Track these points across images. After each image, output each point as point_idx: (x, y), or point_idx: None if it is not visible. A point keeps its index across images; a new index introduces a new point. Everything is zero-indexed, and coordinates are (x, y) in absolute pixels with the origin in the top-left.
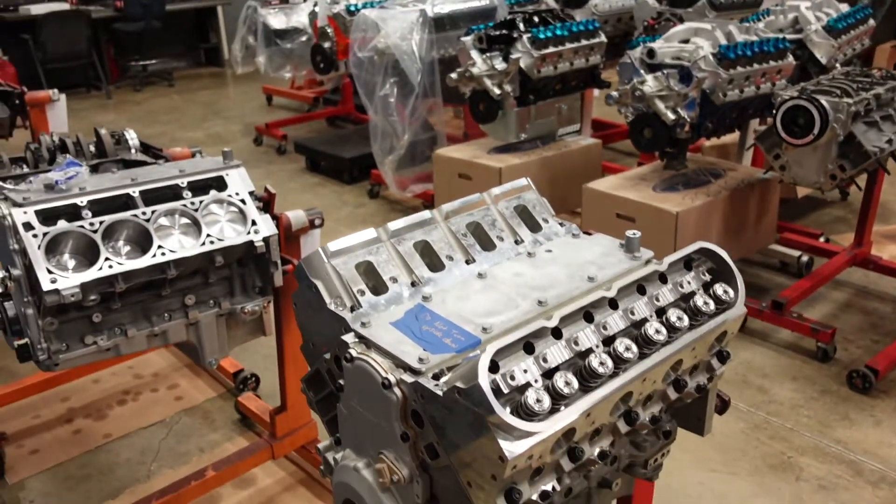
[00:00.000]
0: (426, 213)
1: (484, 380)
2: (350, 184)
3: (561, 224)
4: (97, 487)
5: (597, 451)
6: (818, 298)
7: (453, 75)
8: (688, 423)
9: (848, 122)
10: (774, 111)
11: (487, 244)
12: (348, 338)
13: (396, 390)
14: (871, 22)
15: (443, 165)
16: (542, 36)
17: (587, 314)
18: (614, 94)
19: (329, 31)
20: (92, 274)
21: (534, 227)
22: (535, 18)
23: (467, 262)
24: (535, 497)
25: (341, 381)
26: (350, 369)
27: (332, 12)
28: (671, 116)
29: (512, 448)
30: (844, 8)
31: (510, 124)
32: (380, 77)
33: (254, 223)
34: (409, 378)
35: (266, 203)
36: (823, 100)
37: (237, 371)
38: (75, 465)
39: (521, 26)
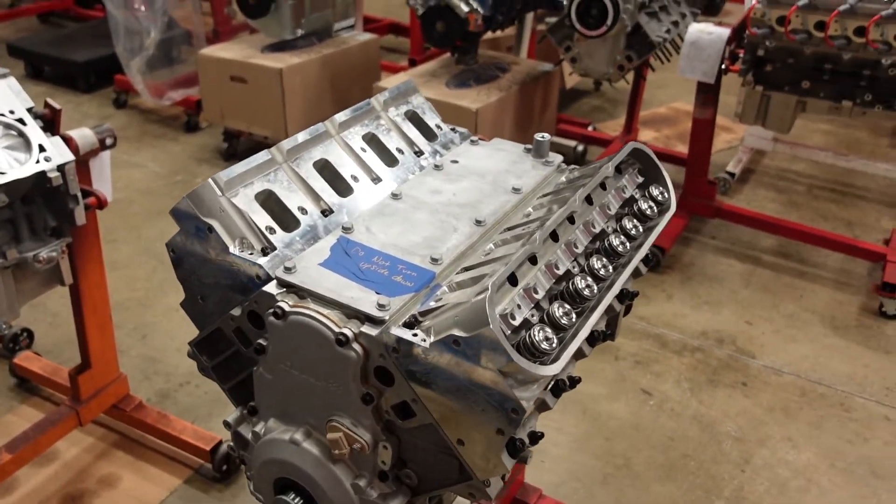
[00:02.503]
0: (319, 126)
1: (496, 324)
2: (88, 92)
3: (453, 129)
4: None
5: (567, 379)
6: None
7: None
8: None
9: (635, 12)
10: (567, 3)
11: (388, 158)
12: (272, 288)
13: (356, 346)
14: None
15: (210, 67)
16: None
17: (553, 233)
18: None
19: None
20: None
21: (428, 134)
22: None
23: (373, 181)
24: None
25: (262, 342)
26: (281, 327)
27: None
28: (465, 8)
29: (526, 396)
30: None
31: (284, 18)
32: None
33: (42, 149)
34: (371, 330)
35: (49, 122)
36: None
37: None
38: None
39: None
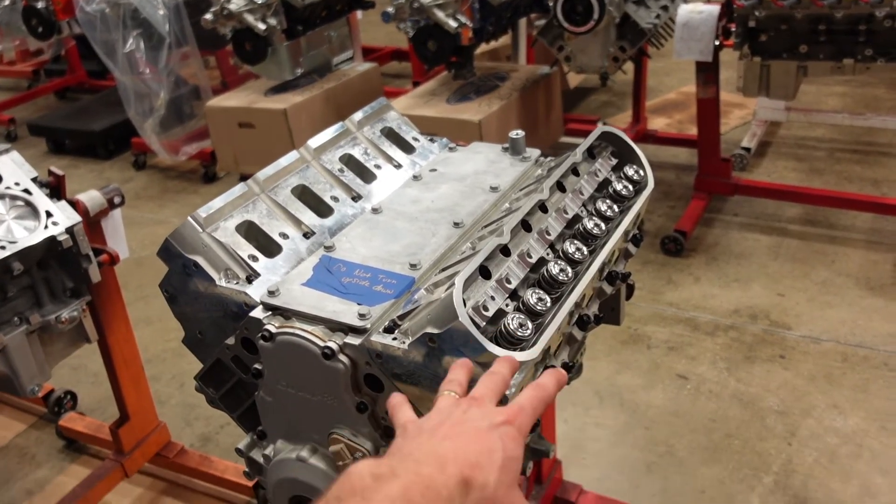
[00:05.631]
0: (293, 154)
1: (465, 318)
2: (108, 159)
3: (431, 140)
4: None
5: (560, 364)
6: None
7: (208, 16)
8: (604, 316)
9: (621, 3)
10: (552, 3)
11: (367, 176)
12: (258, 313)
13: (342, 357)
14: None
15: (218, 118)
16: None
17: (525, 223)
18: (390, 10)
19: None
20: None
21: (406, 148)
22: None
23: (354, 199)
24: None
25: (258, 366)
26: (270, 349)
27: None
28: (453, 24)
29: (511, 383)
30: None
31: (283, 60)
32: (119, 32)
33: (49, 214)
34: (354, 340)
35: (55, 188)
36: None
37: (47, 393)
38: None
39: None
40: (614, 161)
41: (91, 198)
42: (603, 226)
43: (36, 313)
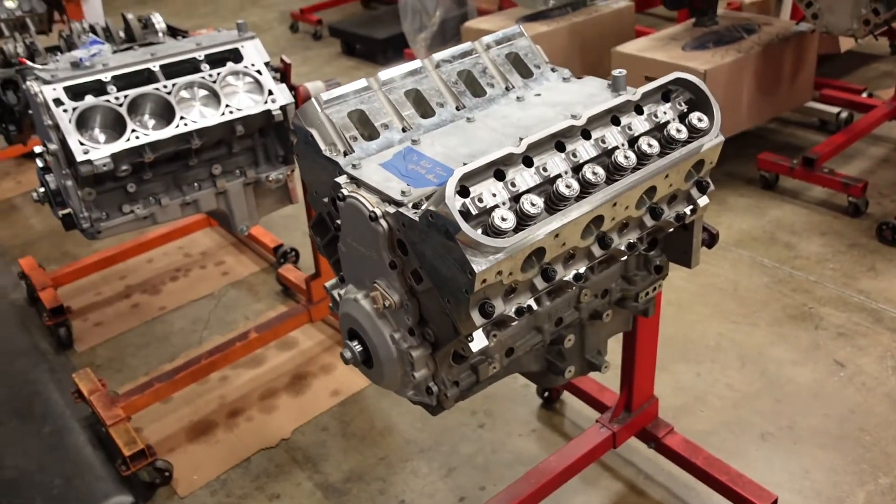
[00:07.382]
0: (416, 62)
1: (451, 200)
2: (385, 65)
3: (553, 70)
4: (155, 353)
5: (572, 273)
6: (854, 154)
7: None
8: (677, 257)
9: None
10: None
11: (478, 91)
12: (341, 179)
13: (382, 222)
14: None
15: (471, 38)
16: None
17: (559, 144)
18: None
19: None
20: (121, 145)
21: (525, 73)
22: None
23: (458, 109)
24: (510, 313)
25: (339, 221)
26: (343, 208)
27: None
28: None
29: (479, 262)
30: None
31: None
32: None
33: (270, 93)
34: (392, 209)
35: (282, 74)
36: None
37: (277, 246)
38: (135, 334)
39: None
40: (684, 108)
41: (314, 86)
42: (634, 159)
43: (252, 170)
